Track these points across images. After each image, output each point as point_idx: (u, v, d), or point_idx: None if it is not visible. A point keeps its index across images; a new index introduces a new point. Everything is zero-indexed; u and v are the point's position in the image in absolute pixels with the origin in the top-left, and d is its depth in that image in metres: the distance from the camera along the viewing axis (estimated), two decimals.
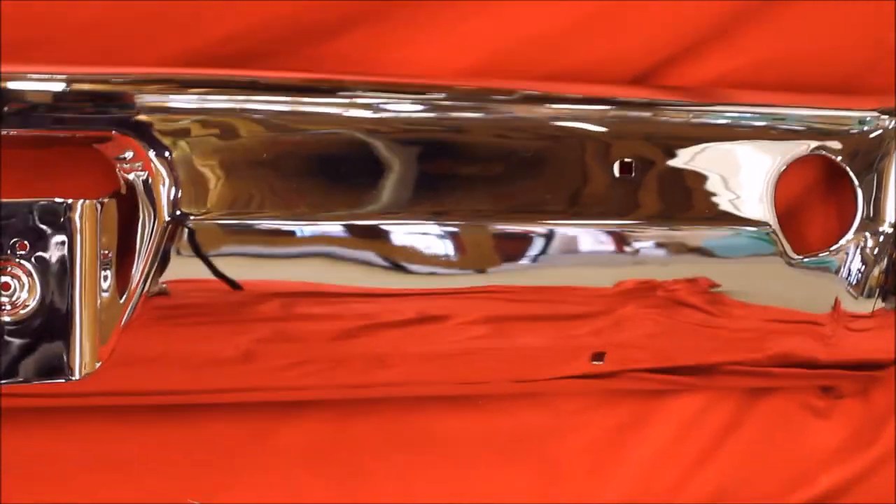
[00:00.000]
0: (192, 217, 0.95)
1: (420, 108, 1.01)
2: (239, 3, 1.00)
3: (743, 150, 1.07)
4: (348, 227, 0.98)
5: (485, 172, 1.01)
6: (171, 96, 0.94)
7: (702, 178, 1.06)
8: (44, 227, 0.95)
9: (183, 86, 0.95)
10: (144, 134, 0.94)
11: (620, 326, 1.06)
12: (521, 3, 1.06)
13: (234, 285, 0.96)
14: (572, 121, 1.04)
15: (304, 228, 0.97)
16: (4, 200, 0.95)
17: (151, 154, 0.94)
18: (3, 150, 0.95)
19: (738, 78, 1.12)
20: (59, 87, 0.93)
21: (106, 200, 0.96)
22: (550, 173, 1.02)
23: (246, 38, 1.01)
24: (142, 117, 0.94)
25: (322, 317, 0.99)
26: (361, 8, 1.03)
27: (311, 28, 1.03)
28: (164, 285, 0.95)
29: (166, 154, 0.94)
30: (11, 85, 0.92)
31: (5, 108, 0.91)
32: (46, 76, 0.93)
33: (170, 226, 0.95)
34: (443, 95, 1.01)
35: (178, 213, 0.95)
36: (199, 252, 0.95)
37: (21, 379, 0.96)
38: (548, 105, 1.03)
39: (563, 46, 1.08)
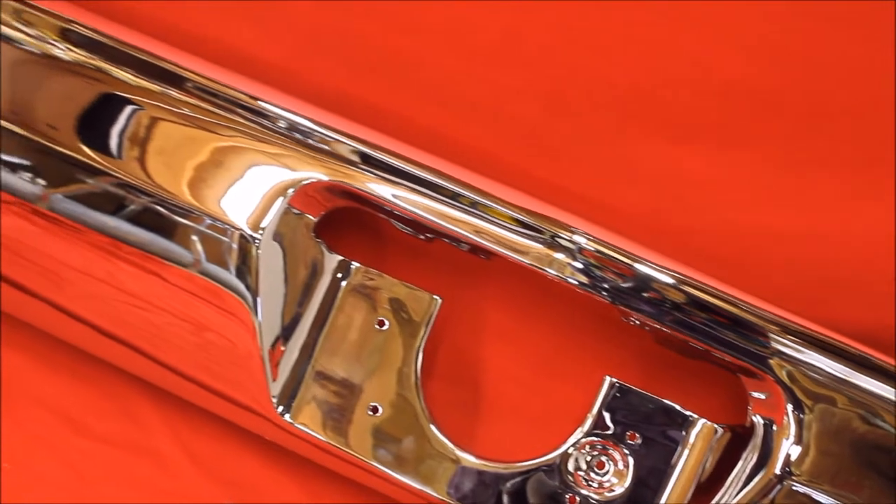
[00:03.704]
0: (794, 478, 0.94)
1: None
2: None
3: None
4: None
5: None
6: (830, 362, 0.94)
7: None
8: (661, 428, 0.98)
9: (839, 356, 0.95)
10: (790, 387, 0.95)
11: None
12: None
13: None
14: None
15: None
16: (637, 390, 0.98)
17: (789, 408, 0.94)
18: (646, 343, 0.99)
19: None
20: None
21: (725, 429, 0.98)
22: None
23: None
24: (794, 371, 0.94)
25: None
26: None
27: None
28: None
29: (802, 414, 0.94)
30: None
31: (645, 294, 0.95)
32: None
33: (774, 479, 0.95)
34: None
35: (786, 470, 0.94)
36: None
37: None
38: None
39: None
